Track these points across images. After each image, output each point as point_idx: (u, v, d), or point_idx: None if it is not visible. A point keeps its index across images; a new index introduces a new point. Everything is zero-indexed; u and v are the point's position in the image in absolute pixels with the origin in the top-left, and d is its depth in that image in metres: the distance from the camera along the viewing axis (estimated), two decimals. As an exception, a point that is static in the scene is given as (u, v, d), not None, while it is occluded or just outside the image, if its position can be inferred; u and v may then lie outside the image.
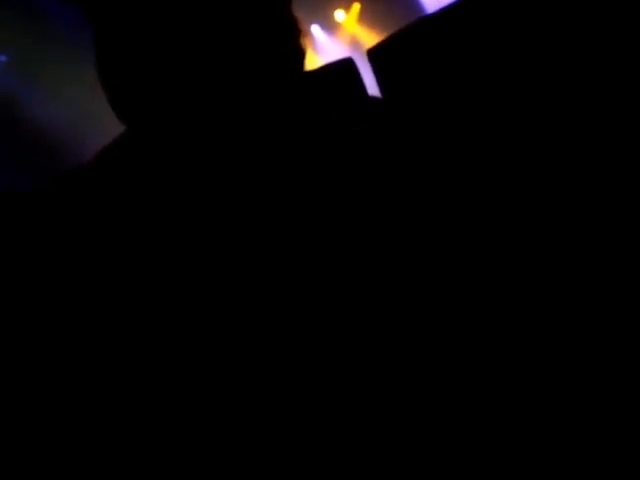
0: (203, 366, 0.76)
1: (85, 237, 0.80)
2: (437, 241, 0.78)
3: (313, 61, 0.89)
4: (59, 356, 0.77)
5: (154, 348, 0.77)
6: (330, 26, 7.40)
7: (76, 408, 0.77)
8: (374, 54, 0.98)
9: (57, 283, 0.79)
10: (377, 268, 0.77)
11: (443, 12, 1.00)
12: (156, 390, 0.76)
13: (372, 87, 0.96)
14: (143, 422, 0.76)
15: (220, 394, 0.76)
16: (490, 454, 0.76)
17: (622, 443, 0.78)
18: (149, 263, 0.78)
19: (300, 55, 0.86)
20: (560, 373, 0.78)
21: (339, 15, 7.34)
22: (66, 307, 0.78)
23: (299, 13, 0.87)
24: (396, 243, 0.77)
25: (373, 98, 0.90)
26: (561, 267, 0.81)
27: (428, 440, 0.75)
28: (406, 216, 0.78)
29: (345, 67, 0.88)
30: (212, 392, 0.76)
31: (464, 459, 0.76)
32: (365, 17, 7.20)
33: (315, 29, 7.25)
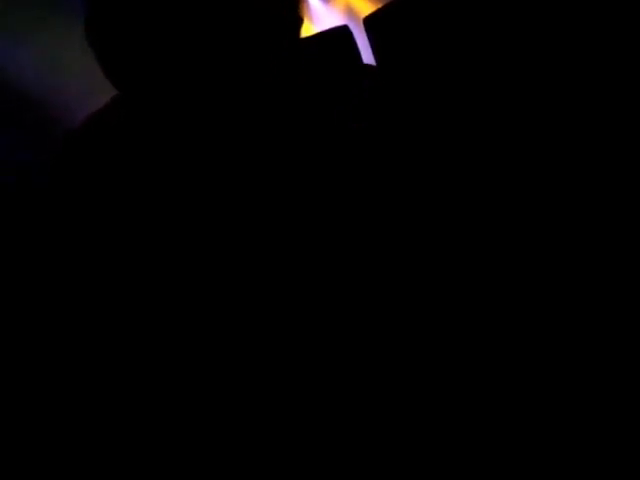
0: (202, 363, 0.76)
1: (85, 228, 0.79)
2: (437, 236, 0.78)
3: (308, 29, 0.89)
4: (59, 354, 0.77)
5: (153, 347, 0.76)
6: (325, -6, 7.34)
7: (76, 407, 0.77)
8: (370, 22, 0.98)
9: (56, 280, 0.78)
10: (377, 265, 0.77)
11: (439, -18, 0.99)
12: (156, 389, 0.76)
13: (367, 55, 0.96)
14: (143, 421, 0.76)
15: (219, 393, 0.76)
16: (489, 452, 0.76)
17: (622, 442, 0.79)
18: (147, 257, 0.77)
19: (297, 23, 0.86)
20: (559, 370, 0.79)
21: (335, -17, 7.28)
22: (67, 305, 0.78)
23: (295, -20, 0.87)
24: (395, 240, 0.77)
25: (368, 66, 0.90)
26: (560, 264, 0.81)
27: (427, 438, 0.76)
28: (404, 214, 0.78)
29: (340, 35, 0.88)
30: (211, 390, 0.76)
31: (464, 458, 0.76)
32: (361, -15, 7.13)
33: (310, -3, 7.20)
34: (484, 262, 0.78)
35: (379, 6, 1.03)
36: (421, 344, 0.76)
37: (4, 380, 0.78)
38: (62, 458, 0.77)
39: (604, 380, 0.79)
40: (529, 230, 0.81)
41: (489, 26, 0.93)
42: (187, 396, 0.76)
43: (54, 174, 0.84)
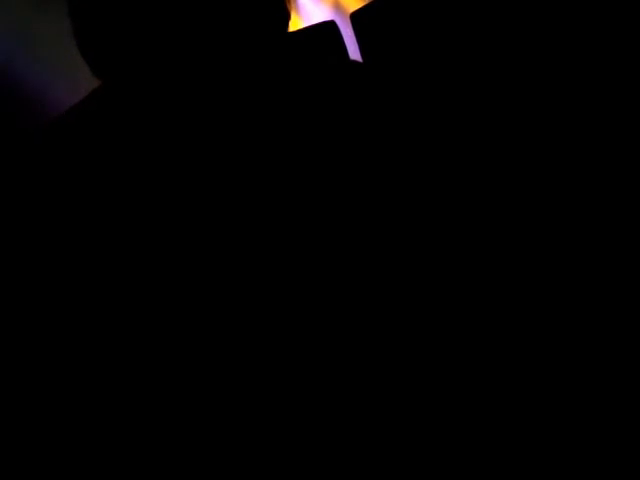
0: (202, 364, 0.75)
1: (75, 223, 0.78)
2: (436, 235, 0.77)
3: (295, 24, 0.88)
4: (57, 355, 0.76)
5: (153, 346, 0.76)
6: (313, -12, 7.35)
7: (75, 407, 0.76)
8: (357, 18, 0.97)
9: (49, 278, 0.77)
10: (376, 265, 0.76)
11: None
12: (155, 389, 0.75)
13: (354, 52, 0.95)
14: (142, 422, 0.75)
15: (219, 393, 0.75)
16: (490, 453, 0.76)
17: (622, 443, 0.79)
18: (143, 252, 0.76)
19: (285, 17, 0.85)
20: (560, 372, 0.79)
21: (323, -22, 7.29)
22: (61, 304, 0.77)
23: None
24: (394, 240, 0.77)
25: (354, 62, 0.89)
26: (560, 265, 0.81)
27: (427, 439, 0.75)
28: (402, 213, 0.77)
29: (327, 30, 0.87)
30: (211, 391, 0.75)
31: (464, 458, 0.76)
32: (349, -19, 7.14)
33: (298, -9, 7.20)
34: (484, 262, 0.78)
35: (367, 2, 1.02)
36: (421, 343, 0.76)
37: (3, 380, 0.77)
38: (61, 458, 0.76)
39: (604, 380, 0.79)
40: (529, 228, 0.81)
41: (478, 21, 0.93)
42: (186, 395, 0.75)
43: (31, 168, 0.83)
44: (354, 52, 0.95)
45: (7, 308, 0.78)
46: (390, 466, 0.75)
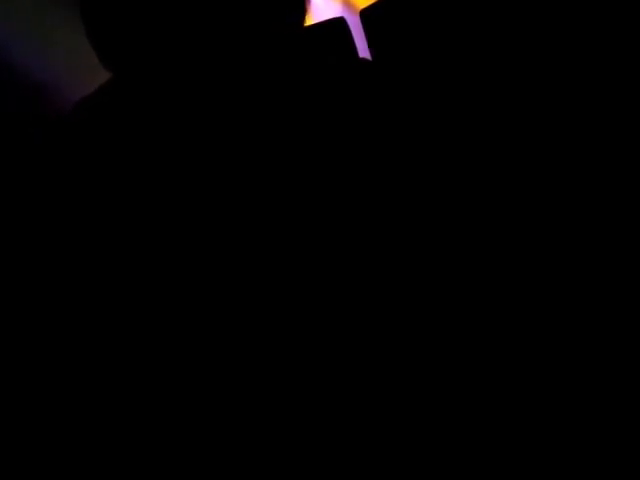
0: (202, 364, 0.75)
1: (79, 220, 0.78)
2: (437, 235, 0.77)
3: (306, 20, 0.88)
4: (57, 355, 0.76)
5: (153, 346, 0.76)
6: (323, -15, 7.33)
7: (75, 407, 0.76)
8: (367, 15, 0.97)
9: (51, 276, 0.77)
10: (376, 265, 0.76)
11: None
12: (155, 389, 0.75)
13: (363, 49, 0.95)
14: (142, 422, 0.75)
15: (219, 393, 0.75)
16: (490, 454, 0.76)
17: (622, 443, 0.79)
18: (143, 254, 0.76)
19: (302, 15, 0.86)
20: (560, 372, 0.78)
21: (333, -26, 7.27)
22: (63, 304, 0.77)
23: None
24: (393, 237, 0.76)
25: (363, 60, 0.89)
26: (561, 265, 0.81)
27: (427, 439, 0.75)
28: (404, 213, 0.77)
29: (336, 27, 0.87)
30: (211, 391, 0.75)
31: (463, 459, 0.76)
32: (359, -22, 7.12)
33: (308, -13, 7.19)
34: (484, 262, 0.78)
35: (377, -1, 1.02)
36: (421, 343, 0.76)
37: (3, 380, 0.77)
38: (61, 458, 0.76)
39: (604, 380, 0.79)
40: (529, 229, 0.81)
41: (490, 21, 0.92)
42: (186, 396, 0.75)
43: (40, 163, 0.82)
44: (363, 49, 0.95)
45: (9, 308, 0.78)
46: (390, 466, 0.75)
